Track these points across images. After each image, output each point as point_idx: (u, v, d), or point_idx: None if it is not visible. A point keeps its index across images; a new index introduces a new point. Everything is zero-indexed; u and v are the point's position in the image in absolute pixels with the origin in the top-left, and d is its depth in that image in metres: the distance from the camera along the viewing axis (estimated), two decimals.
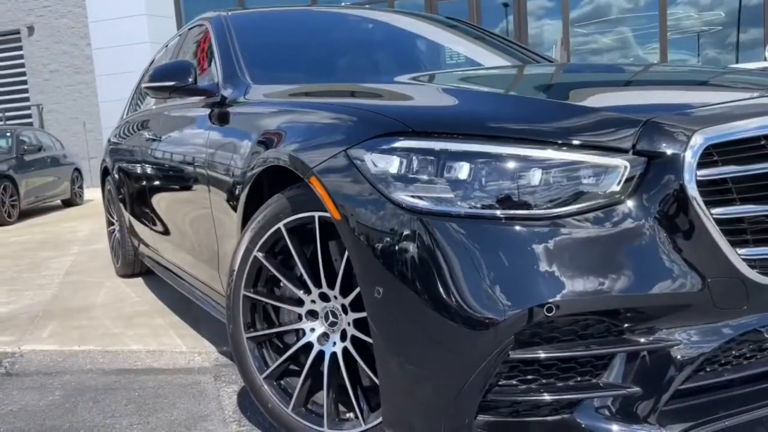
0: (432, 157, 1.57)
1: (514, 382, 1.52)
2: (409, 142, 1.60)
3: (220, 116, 2.69)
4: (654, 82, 2.15)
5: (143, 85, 2.94)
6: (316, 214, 1.90)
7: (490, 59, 3.53)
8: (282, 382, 2.10)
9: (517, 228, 1.48)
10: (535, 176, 1.51)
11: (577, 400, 1.50)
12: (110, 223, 5.24)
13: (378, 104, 1.88)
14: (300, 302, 2.04)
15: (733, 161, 1.49)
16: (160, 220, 3.57)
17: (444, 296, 1.49)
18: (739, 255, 1.47)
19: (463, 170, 1.54)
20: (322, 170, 1.76)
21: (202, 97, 2.93)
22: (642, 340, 1.47)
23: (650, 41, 12.49)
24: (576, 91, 1.98)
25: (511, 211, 1.50)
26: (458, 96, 1.90)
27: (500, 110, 1.70)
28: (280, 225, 2.00)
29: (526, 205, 1.50)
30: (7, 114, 15.48)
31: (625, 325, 1.48)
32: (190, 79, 2.86)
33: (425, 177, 1.57)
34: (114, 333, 3.59)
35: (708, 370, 1.56)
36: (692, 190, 1.45)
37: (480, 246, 1.48)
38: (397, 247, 1.56)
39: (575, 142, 1.52)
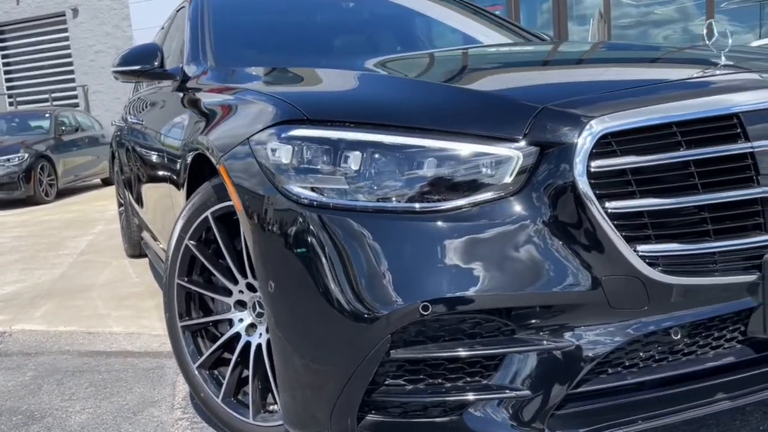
0: (326, 147, 1.51)
1: (401, 382, 1.46)
2: (304, 131, 1.54)
3: (179, 99, 2.67)
4: (580, 62, 2.02)
5: (111, 69, 2.94)
6: None
7: (478, 38, 3.41)
8: (215, 371, 2.09)
9: (400, 222, 1.41)
10: (424, 167, 1.43)
11: (464, 402, 1.43)
12: (120, 204, 5.32)
13: (287, 91, 1.82)
14: (230, 292, 2.01)
15: (634, 151, 1.38)
16: (142, 203, 3.60)
17: (324, 292, 1.43)
18: (638, 252, 1.37)
19: (353, 161, 1.47)
20: (229, 158, 1.71)
21: (170, 81, 2.91)
22: (533, 341, 1.39)
23: (699, 12, 11.93)
24: (490, 74, 1.87)
25: (395, 205, 1.43)
26: (367, 82, 1.82)
27: (401, 97, 1.61)
28: (208, 213, 1.97)
29: (413, 198, 1.43)
30: (54, 95, 15.88)
31: (516, 325, 1.40)
32: (156, 63, 2.85)
33: (318, 167, 1.51)
34: (101, 314, 3.65)
35: (610, 372, 1.46)
36: (583, 183, 1.35)
37: (360, 241, 1.41)
38: (285, 241, 1.51)
39: (469, 131, 1.44)
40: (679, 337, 1.46)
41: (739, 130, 1.44)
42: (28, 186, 9.39)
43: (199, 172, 2.22)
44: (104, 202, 9.14)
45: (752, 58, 1.73)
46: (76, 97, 15.98)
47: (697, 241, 1.41)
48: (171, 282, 2.11)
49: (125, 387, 2.60)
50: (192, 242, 2.04)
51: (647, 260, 1.38)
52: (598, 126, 1.37)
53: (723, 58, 1.64)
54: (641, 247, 1.37)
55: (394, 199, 1.44)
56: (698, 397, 1.49)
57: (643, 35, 12.35)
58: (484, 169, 1.41)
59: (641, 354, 1.47)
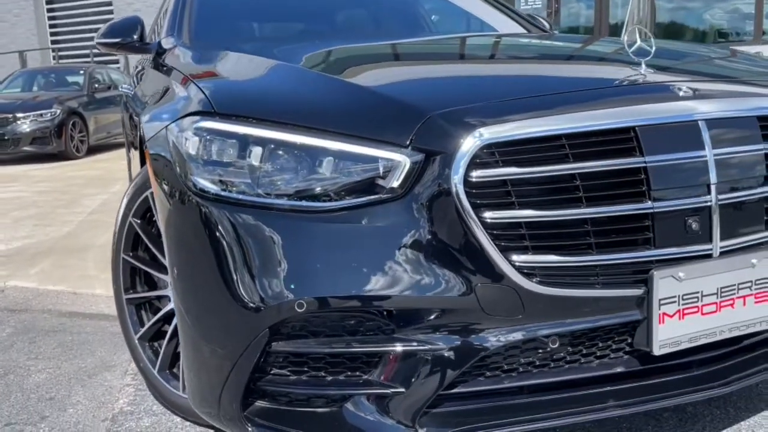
0: (231, 141, 1.54)
1: (286, 373, 1.51)
2: (211, 124, 1.57)
3: (150, 72, 2.73)
4: (492, 60, 2.01)
5: (95, 41, 3.01)
6: None
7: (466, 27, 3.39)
8: (155, 343, 2.17)
9: (289, 220, 1.45)
10: (318, 168, 1.46)
11: (343, 395, 1.48)
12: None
13: (210, 81, 1.85)
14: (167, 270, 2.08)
15: (516, 162, 1.39)
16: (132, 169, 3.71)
17: (216, 283, 1.48)
18: (514, 262, 1.39)
19: (254, 157, 1.50)
20: (152, 143, 1.77)
21: (149, 54, 2.97)
22: (409, 340, 1.43)
23: None
24: (404, 70, 1.89)
25: (288, 202, 1.46)
26: (286, 76, 1.83)
27: (309, 95, 1.62)
28: (148, 193, 2.03)
29: (304, 197, 1.46)
30: (95, 51, 16.15)
31: (396, 325, 1.43)
32: (135, 36, 2.90)
33: (221, 161, 1.54)
34: (91, 275, 3.78)
35: (488, 375, 1.49)
36: (461, 192, 1.37)
37: (252, 236, 1.46)
38: (186, 230, 1.57)
39: (362, 134, 1.46)
40: (557, 345, 1.48)
41: (634, 144, 1.44)
42: (59, 141, 9.65)
43: None
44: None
45: (673, 67, 1.70)
46: (116, 54, 16.22)
47: (576, 253, 1.41)
48: (117, 256, 2.20)
49: (89, 350, 2.72)
50: (136, 220, 2.11)
51: (524, 270, 1.39)
52: (480, 136, 1.38)
53: (643, 66, 1.62)
54: (517, 258, 1.39)
55: (287, 196, 1.47)
56: (582, 404, 1.52)
57: (691, 14, 11.98)
58: (372, 173, 1.44)
59: (521, 359, 1.50)
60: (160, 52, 2.79)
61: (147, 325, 2.14)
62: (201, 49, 2.52)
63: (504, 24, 3.36)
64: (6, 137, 9.48)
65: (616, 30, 11.47)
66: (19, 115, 9.58)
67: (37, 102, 9.97)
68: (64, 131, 9.70)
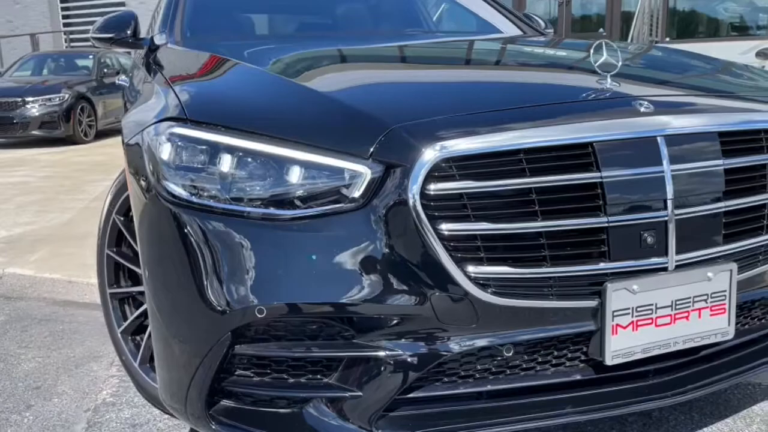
0: (202, 147, 1.58)
1: (250, 374, 1.56)
2: (182, 130, 1.61)
3: (142, 68, 2.76)
4: (465, 66, 2.04)
5: (89, 35, 3.05)
6: None
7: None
8: (137, 337, 2.23)
9: (250, 227, 1.49)
10: (285, 177, 1.50)
11: (304, 397, 1.53)
12: None
13: (185, 85, 1.89)
14: None
15: (472, 176, 1.42)
16: None
17: (182, 286, 1.54)
18: (469, 273, 1.43)
19: (222, 164, 1.54)
20: (129, 145, 1.81)
21: (143, 50, 3.01)
22: (367, 347, 1.47)
23: None
24: (373, 77, 1.92)
25: (251, 209, 1.50)
26: (254, 83, 1.87)
27: (278, 104, 1.66)
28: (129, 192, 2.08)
29: (269, 205, 1.50)
30: None
31: (355, 331, 1.48)
32: (129, 31, 2.95)
33: (191, 167, 1.58)
34: (89, 264, 3.84)
35: (445, 380, 1.54)
36: (418, 204, 1.40)
37: (218, 242, 1.50)
38: (157, 231, 1.61)
39: (327, 145, 1.49)
40: (512, 353, 1.52)
41: (591, 159, 1.47)
42: (67, 126, 9.75)
43: None
44: None
45: (638, 81, 1.72)
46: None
47: (531, 265, 1.45)
48: (101, 251, 2.26)
49: (78, 340, 2.78)
50: (119, 217, 2.16)
51: (479, 281, 1.43)
52: (438, 150, 1.41)
53: (609, 80, 1.64)
54: (472, 269, 1.43)
55: (255, 203, 1.51)
56: (541, 409, 1.56)
57: (706, 6, 11.88)
58: (334, 183, 1.47)
59: (477, 366, 1.54)
60: (152, 48, 2.83)
61: (129, 320, 2.20)
62: (190, 48, 2.56)
63: (501, 23, 3.38)
64: (15, 121, 9.60)
65: (628, 19, 11.40)
66: (28, 99, 9.68)
67: (46, 86, 10.06)
68: (72, 116, 9.79)
